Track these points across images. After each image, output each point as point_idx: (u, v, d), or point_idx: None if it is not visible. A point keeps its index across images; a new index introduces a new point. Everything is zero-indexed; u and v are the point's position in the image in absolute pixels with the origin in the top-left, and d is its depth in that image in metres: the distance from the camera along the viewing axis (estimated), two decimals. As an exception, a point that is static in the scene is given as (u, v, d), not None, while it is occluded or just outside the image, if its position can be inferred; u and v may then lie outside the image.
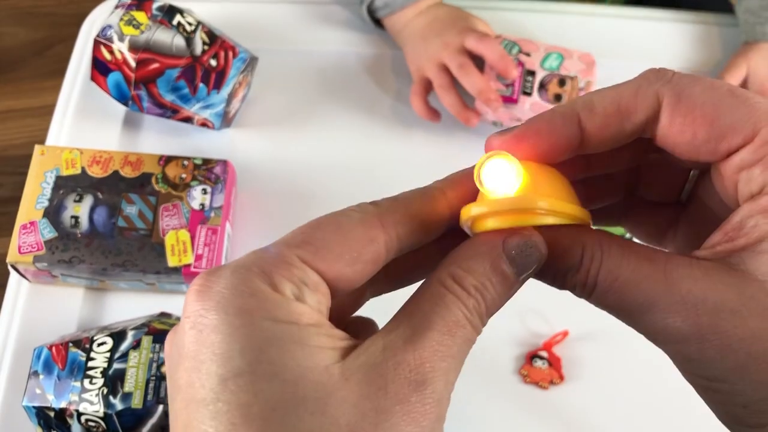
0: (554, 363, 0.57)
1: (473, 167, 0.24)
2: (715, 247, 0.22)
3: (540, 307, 0.59)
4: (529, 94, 0.64)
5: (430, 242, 0.24)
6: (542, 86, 0.64)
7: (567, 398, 0.57)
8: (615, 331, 0.55)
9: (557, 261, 0.23)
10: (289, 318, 0.20)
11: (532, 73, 0.64)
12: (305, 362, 0.19)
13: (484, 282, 0.22)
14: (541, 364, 0.57)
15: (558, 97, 0.63)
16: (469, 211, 0.23)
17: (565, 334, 0.58)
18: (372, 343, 0.20)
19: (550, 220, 0.22)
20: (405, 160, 0.67)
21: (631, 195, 0.28)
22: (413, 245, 0.24)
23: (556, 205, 0.22)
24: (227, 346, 0.19)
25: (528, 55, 0.65)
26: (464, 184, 0.24)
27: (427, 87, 0.68)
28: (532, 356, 0.57)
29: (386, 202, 0.24)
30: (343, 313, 0.25)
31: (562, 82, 0.64)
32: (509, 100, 0.64)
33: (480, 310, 0.22)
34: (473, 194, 0.24)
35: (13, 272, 0.59)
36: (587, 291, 0.23)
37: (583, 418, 0.56)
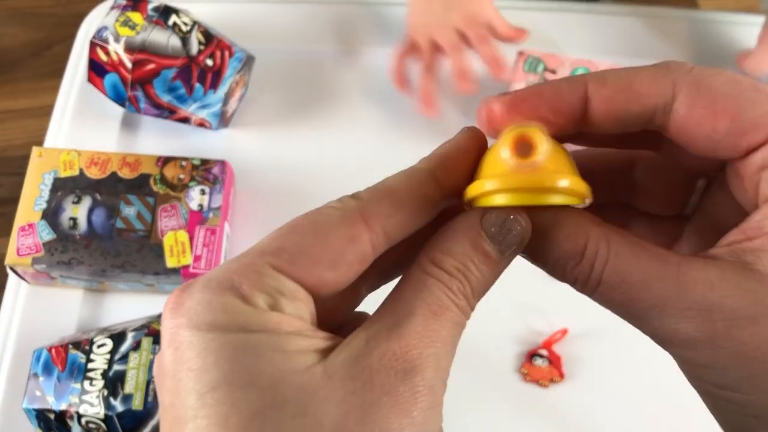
0: (554, 361, 0.57)
1: (457, 140, 0.23)
2: (732, 244, 0.21)
3: (540, 305, 0.59)
4: None
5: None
6: None
7: (567, 396, 0.57)
8: (615, 329, 0.55)
9: (557, 246, 0.22)
10: (264, 328, 0.19)
11: None
12: (284, 366, 0.19)
13: (465, 262, 0.21)
14: (541, 363, 0.57)
15: None
16: (482, 187, 0.21)
17: (564, 332, 0.58)
18: (354, 337, 0.20)
19: (561, 200, 0.21)
20: (405, 159, 0.66)
21: (628, 206, 0.27)
22: (404, 236, 0.22)
23: (576, 184, 0.21)
24: (202, 361, 0.18)
25: (554, 72, 0.65)
26: (455, 161, 0.23)
27: (413, 54, 0.68)
28: (532, 355, 0.57)
29: (368, 193, 0.22)
30: (339, 312, 0.24)
31: None
32: None
33: (465, 292, 0.21)
34: (466, 171, 0.23)
35: (12, 274, 0.59)
36: (590, 287, 0.22)
37: (583, 416, 0.56)
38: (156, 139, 0.67)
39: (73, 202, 0.58)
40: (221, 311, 0.19)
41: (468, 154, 0.23)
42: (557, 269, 0.22)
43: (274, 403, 0.18)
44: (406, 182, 0.23)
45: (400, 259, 0.24)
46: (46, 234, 0.57)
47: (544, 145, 0.21)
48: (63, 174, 0.59)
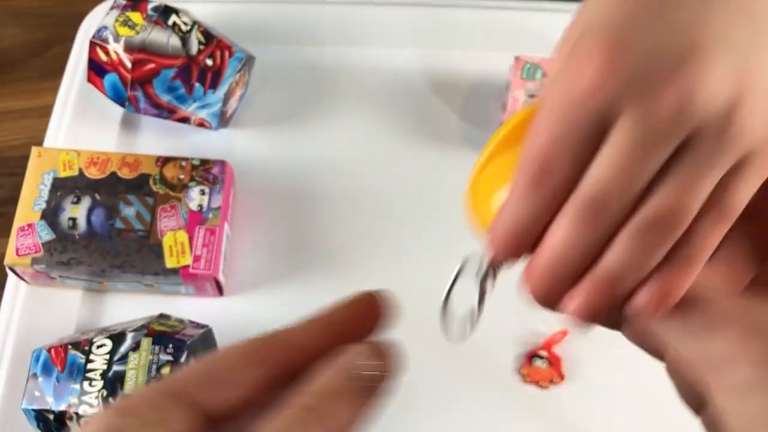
0: (554, 362, 0.57)
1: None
2: None
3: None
4: None
5: None
6: None
7: (567, 398, 0.57)
8: (616, 330, 0.55)
9: None
10: None
11: None
12: None
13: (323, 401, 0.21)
14: (541, 364, 0.57)
15: None
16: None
17: (564, 332, 0.57)
18: None
19: None
20: (405, 159, 0.66)
21: None
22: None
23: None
24: None
25: None
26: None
27: None
28: (532, 356, 0.57)
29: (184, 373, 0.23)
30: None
31: None
32: None
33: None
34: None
35: (11, 274, 0.59)
36: None
37: (583, 418, 0.56)
38: (155, 139, 0.67)
39: (73, 202, 0.58)
40: None
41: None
42: None
43: None
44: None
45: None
46: (46, 234, 0.57)
47: None
48: (62, 174, 0.59)
